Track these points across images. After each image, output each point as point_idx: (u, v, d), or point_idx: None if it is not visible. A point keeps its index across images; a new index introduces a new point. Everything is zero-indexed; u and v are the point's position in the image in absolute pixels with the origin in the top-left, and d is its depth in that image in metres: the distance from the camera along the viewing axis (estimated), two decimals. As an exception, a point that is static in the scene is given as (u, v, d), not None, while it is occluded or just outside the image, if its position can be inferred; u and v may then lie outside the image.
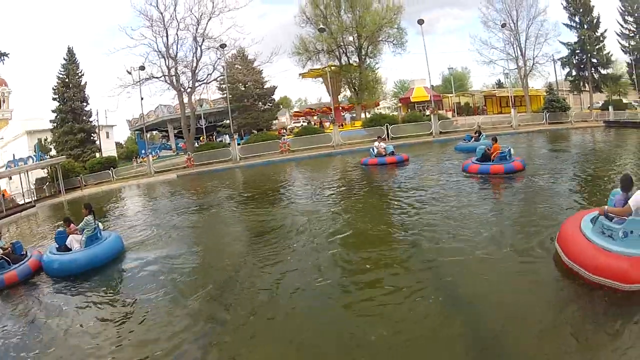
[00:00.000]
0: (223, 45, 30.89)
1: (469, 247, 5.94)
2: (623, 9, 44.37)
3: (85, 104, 34.44)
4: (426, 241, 6.54)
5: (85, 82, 34.76)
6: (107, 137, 46.48)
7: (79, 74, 34.48)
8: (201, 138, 35.83)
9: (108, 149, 39.90)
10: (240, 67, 32.65)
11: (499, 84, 54.35)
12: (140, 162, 33.06)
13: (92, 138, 34.89)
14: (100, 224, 8.09)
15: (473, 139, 18.24)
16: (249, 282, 5.79)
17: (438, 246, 6.23)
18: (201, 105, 36.16)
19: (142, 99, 30.12)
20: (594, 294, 4.30)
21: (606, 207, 4.86)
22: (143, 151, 38.89)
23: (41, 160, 24.24)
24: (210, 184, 18.40)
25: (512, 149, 12.06)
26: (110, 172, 26.82)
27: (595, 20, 41.93)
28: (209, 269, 6.64)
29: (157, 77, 31.85)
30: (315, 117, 40.80)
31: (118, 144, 53.40)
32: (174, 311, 5.10)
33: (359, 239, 7.13)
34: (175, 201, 14.79)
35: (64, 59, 34.76)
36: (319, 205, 10.33)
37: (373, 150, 16.92)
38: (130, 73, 31.24)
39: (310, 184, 15.25)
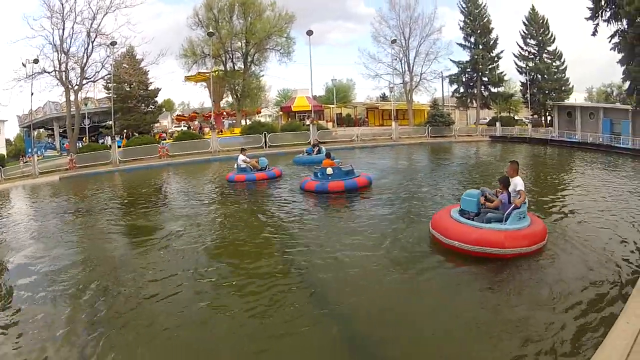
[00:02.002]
0: (114, 43, 31.11)
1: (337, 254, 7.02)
2: (526, 32, 48.10)
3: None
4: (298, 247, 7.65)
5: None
6: (-2, 133, 43.47)
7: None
8: (84, 138, 34.53)
9: (-3, 146, 37.32)
10: (127, 67, 31.94)
11: (384, 97, 57.24)
12: (26, 162, 31.23)
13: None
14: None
15: (314, 151, 18.91)
16: (127, 286, 6.16)
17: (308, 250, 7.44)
18: (86, 104, 35.01)
19: (32, 94, 29.73)
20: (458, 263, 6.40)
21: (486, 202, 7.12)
22: (29, 150, 36.73)
23: None
24: (92, 187, 18.52)
25: (350, 165, 12.99)
26: (-2, 171, 24.69)
27: (492, 42, 45.08)
28: (87, 273, 6.86)
29: (48, 72, 31.61)
30: (195, 122, 40.93)
31: (7, 141, 50.01)
32: (50, 317, 5.27)
33: (231, 247, 7.86)
34: (56, 205, 14.70)
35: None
36: (194, 211, 11.12)
37: (238, 166, 15.42)
38: (24, 66, 30.51)
39: (186, 190, 16.15)
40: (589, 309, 4.80)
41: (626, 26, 22.79)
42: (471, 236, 6.44)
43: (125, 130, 34.36)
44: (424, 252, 7.02)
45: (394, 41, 37.38)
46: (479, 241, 6.33)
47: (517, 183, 6.76)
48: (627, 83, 25.95)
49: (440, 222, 7.21)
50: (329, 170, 12.00)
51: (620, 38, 23.87)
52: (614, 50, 24.83)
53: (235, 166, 15.45)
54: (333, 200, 11.46)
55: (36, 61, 29.96)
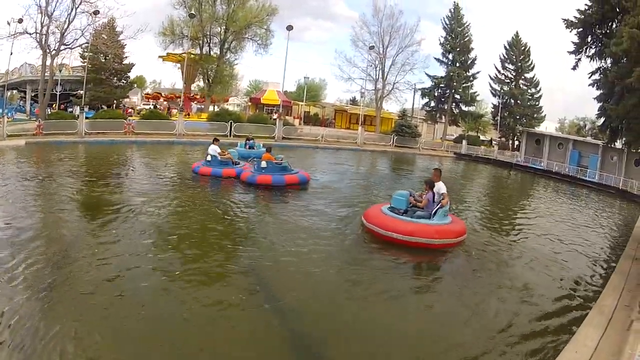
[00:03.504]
0: (96, 12, 31.39)
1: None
2: (506, 56, 49.36)
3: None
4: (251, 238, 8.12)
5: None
6: (-27, 91, 42.70)
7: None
8: (53, 105, 34.51)
9: (-30, 105, 36.81)
10: (105, 38, 32.03)
11: (354, 101, 58.42)
12: None
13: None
14: None
15: (247, 146, 19.29)
16: (81, 261, 6.17)
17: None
18: (60, 71, 34.96)
19: (11, 54, 29.82)
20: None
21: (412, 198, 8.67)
22: (0, 110, 36.45)
23: None
24: (56, 156, 18.58)
25: (285, 160, 13.78)
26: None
27: (470, 61, 46.32)
28: (43, 245, 6.78)
29: (29, 33, 31.15)
30: (164, 103, 41.10)
31: (-20, 100, 49.19)
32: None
33: (183, 235, 7.91)
34: (19, 170, 14.60)
35: None
36: (153, 192, 11.27)
37: (209, 157, 14.15)
38: (9, 24, 30.59)
39: (149, 169, 16.41)
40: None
41: (609, 65, 23.25)
42: (407, 228, 7.84)
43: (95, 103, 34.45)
44: (359, 243, 8.30)
45: (372, 47, 38.35)
46: (414, 233, 7.77)
47: (441, 187, 8.37)
48: (602, 119, 26.53)
49: (374, 217, 8.48)
50: (263, 164, 12.80)
51: (601, 75, 24.39)
52: (593, 87, 25.43)
53: (208, 157, 14.15)
54: (281, 196, 12.15)
55: (20, 20, 29.86)
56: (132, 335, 4.48)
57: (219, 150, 14.16)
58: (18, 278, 5.44)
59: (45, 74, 32.23)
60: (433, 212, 8.17)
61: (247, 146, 19.28)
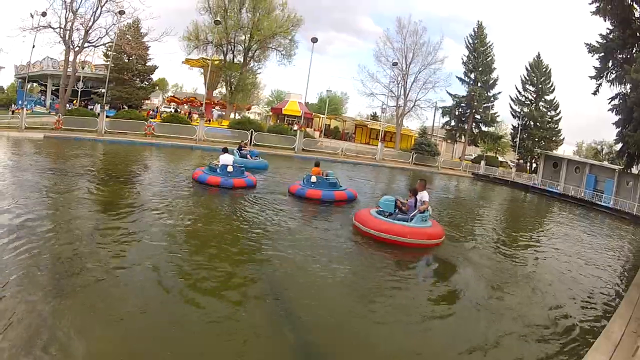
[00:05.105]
0: (122, 12, 31.51)
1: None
2: (527, 77, 48.93)
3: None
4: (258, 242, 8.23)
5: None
6: (-7, 79, 43.37)
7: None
8: (74, 101, 34.75)
9: (-11, 93, 37.44)
10: (130, 39, 32.25)
11: (374, 116, 58.29)
12: (15, 113, 31.43)
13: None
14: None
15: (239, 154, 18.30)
16: (93, 258, 6.16)
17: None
18: (83, 68, 35.25)
19: (34, 46, 30.15)
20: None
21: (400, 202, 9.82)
22: (20, 102, 36.91)
23: None
24: (74, 152, 18.71)
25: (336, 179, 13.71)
26: (-16, 117, 25.02)
27: (492, 81, 45.93)
28: (56, 240, 6.78)
29: (53, 28, 31.70)
30: (185, 107, 41.18)
31: (0, 89, 49.84)
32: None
33: (198, 241, 7.88)
34: (35, 163, 14.69)
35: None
36: (170, 197, 11.19)
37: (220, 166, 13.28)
38: (32, 17, 30.83)
39: (165, 173, 15.94)
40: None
41: (629, 90, 23.41)
42: (382, 227, 8.97)
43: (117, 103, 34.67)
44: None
45: (395, 64, 38.21)
46: (389, 231, 8.85)
47: (424, 195, 9.41)
48: (620, 145, 26.92)
49: (361, 217, 9.66)
50: (313, 179, 12.93)
51: (621, 101, 24.62)
52: (612, 112, 25.58)
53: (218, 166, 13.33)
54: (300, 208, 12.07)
55: (44, 14, 30.29)
56: (139, 335, 4.49)
57: (232, 160, 13.51)
58: (27, 268, 5.54)
59: (68, 70, 32.60)
60: (411, 216, 9.27)
61: (240, 154, 18.09)
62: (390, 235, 8.79)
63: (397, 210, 9.59)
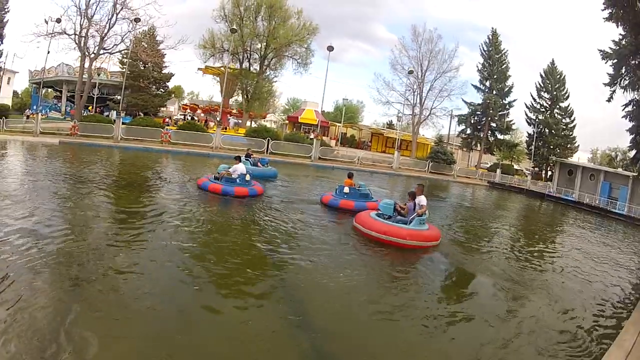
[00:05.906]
0: (137, 19, 31.77)
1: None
2: (542, 84, 48.49)
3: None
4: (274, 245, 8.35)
5: (8, 20, 32.91)
6: (8, 83, 43.85)
7: (5, 9, 32.65)
8: (90, 108, 34.97)
9: (4, 96, 37.71)
10: (146, 46, 32.40)
11: (390, 125, 58.07)
12: (30, 118, 31.65)
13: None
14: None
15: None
16: (107, 264, 6.16)
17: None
18: (99, 74, 35.45)
19: (48, 52, 30.29)
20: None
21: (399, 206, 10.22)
22: (35, 107, 37.26)
23: None
24: (89, 158, 18.71)
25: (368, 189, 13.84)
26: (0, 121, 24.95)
27: (507, 89, 45.59)
28: (71, 246, 6.75)
29: (68, 34, 32.18)
30: (202, 115, 41.20)
31: (15, 93, 50.34)
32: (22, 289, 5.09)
33: (214, 249, 7.82)
34: (50, 168, 14.78)
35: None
36: (186, 204, 11.06)
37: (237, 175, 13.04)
38: (47, 23, 31.10)
39: (181, 180, 15.63)
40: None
41: None
42: (382, 229, 9.29)
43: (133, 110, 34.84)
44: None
45: (410, 72, 37.95)
46: (388, 233, 9.21)
47: (422, 200, 9.72)
48: (634, 151, 26.61)
49: (361, 218, 10.08)
50: (346, 189, 13.20)
51: (634, 107, 24.29)
52: (626, 118, 25.34)
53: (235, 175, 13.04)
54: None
55: (59, 20, 30.60)
56: (152, 337, 4.51)
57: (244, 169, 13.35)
58: (39, 270, 5.60)
59: (83, 76, 32.80)
60: (410, 219, 9.60)
61: (252, 162, 17.38)
62: (389, 236, 9.17)
63: (395, 213, 10.00)
